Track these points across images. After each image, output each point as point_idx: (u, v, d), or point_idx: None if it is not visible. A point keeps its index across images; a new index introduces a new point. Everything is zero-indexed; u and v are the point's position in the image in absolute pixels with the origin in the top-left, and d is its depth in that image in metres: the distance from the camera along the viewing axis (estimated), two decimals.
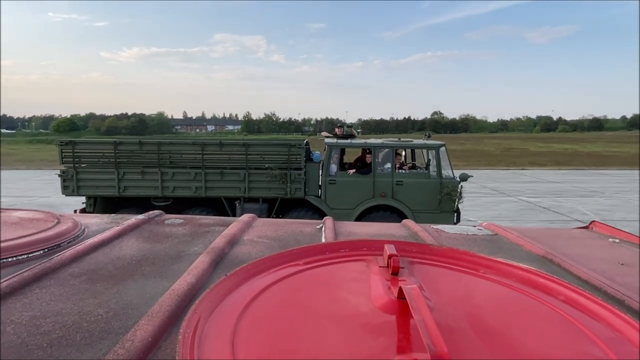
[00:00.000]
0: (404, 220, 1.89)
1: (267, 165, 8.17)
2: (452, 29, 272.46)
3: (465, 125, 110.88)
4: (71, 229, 1.50)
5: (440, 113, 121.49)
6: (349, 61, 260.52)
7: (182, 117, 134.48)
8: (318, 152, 8.78)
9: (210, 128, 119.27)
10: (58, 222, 1.54)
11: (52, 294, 1.03)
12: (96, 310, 0.95)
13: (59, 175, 8.31)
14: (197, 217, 1.95)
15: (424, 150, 8.86)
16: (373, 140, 9.04)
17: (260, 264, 1.01)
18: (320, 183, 8.41)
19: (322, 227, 1.73)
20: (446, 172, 8.33)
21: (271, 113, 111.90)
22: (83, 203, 8.68)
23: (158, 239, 1.55)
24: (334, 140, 8.72)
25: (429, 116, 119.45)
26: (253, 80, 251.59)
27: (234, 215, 8.31)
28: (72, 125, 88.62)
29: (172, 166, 8.28)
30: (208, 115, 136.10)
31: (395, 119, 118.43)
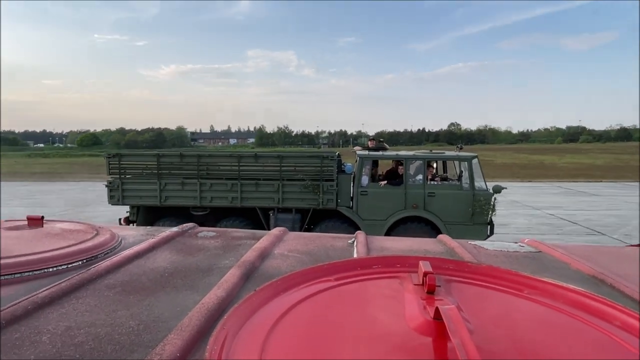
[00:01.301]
0: (440, 236, 1.82)
1: (300, 175, 8.36)
2: (485, 39, 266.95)
3: (483, 137, 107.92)
4: (109, 241, 1.54)
5: (457, 124, 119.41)
6: (379, 73, 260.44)
7: (209, 131, 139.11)
8: (350, 164, 8.91)
9: (232, 141, 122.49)
10: (97, 234, 1.59)
11: (87, 304, 1.05)
12: (128, 322, 0.96)
13: (106, 186, 8.77)
14: (230, 230, 1.96)
15: (456, 162, 8.79)
16: (405, 152, 9.08)
17: (290, 279, 0.98)
18: (352, 194, 8.47)
19: (354, 242, 1.70)
20: (479, 184, 8.22)
21: (284, 126, 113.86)
22: (127, 212, 9.09)
23: (190, 251, 1.56)
24: (366, 152, 8.84)
25: (444, 127, 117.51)
26: (284, 94, 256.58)
27: (268, 224, 8.53)
28: (95, 140, 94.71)
29: (210, 177, 8.57)
30: (234, 129, 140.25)
31: (409, 130, 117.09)
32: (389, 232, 8.21)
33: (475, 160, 8.28)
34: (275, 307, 0.87)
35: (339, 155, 8.90)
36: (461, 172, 8.49)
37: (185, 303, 1.06)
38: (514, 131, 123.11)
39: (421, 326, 0.81)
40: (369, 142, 9.69)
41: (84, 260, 1.36)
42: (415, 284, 0.99)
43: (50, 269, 1.26)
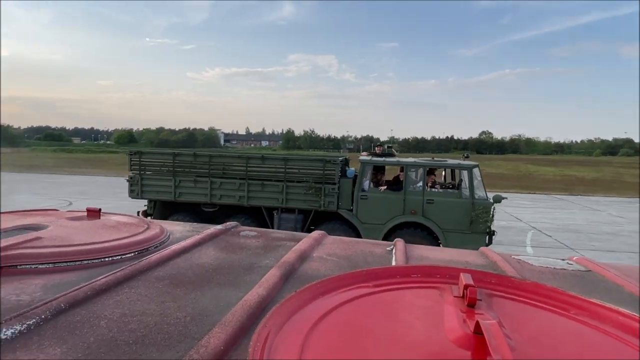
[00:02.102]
0: (482, 248, 1.78)
1: (304, 178, 8.78)
2: (535, 45, 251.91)
3: (516, 146, 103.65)
4: (158, 235, 1.63)
5: (489, 133, 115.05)
6: (421, 79, 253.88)
7: (244, 133, 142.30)
8: (353, 169, 9.21)
9: (264, 143, 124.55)
10: (148, 228, 1.69)
11: (139, 294, 1.12)
12: (176, 313, 1.02)
13: (127, 181, 9.44)
14: (270, 230, 2.02)
15: (457, 170, 8.93)
16: (406, 159, 9.31)
17: (329, 282, 1.01)
18: (353, 198, 8.75)
19: (392, 249, 1.69)
20: (479, 193, 8.27)
21: (310, 130, 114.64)
22: (144, 206, 9.74)
23: (233, 249, 1.62)
24: (368, 158, 9.13)
25: (474, 135, 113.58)
26: (323, 99, 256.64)
27: (272, 223, 8.94)
28: (130, 138, 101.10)
29: (220, 176, 9.09)
30: (268, 131, 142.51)
31: (437, 137, 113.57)
32: (387, 236, 8.41)
33: (476, 170, 8.40)
34: (314, 310, 0.89)
35: (347, 160, 9.35)
36: (461, 180, 8.65)
37: (228, 299, 1.11)
38: (555, 141, 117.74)
39: (460, 339, 0.80)
40: (377, 148, 9.97)
41: (136, 252, 1.45)
42: (455, 296, 0.98)
43: (107, 259, 1.35)
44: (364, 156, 9.51)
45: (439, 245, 7.84)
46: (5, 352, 0.80)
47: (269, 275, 1.26)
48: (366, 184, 8.67)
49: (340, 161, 8.90)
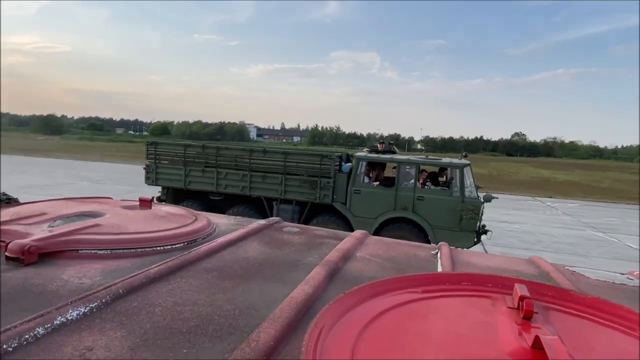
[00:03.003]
0: (532, 257, 1.70)
1: (301, 171, 9.18)
2: (591, 44, 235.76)
3: (549, 149, 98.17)
4: (205, 227, 1.68)
5: (522, 134, 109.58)
6: (466, 78, 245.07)
7: (279, 128, 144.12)
8: (349, 164, 9.50)
9: (296, 139, 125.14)
10: (195, 220, 1.74)
11: (190, 284, 1.16)
12: (225, 305, 1.04)
13: (144, 168, 10.10)
14: (312, 227, 2.03)
15: (449, 169, 9.07)
16: (399, 156, 9.48)
17: (378, 285, 1.00)
18: (347, 192, 9.08)
19: (437, 253, 1.65)
20: (470, 192, 8.38)
21: (336, 127, 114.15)
22: (159, 192, 10.33)
23: (277, 245, 1.64)
24: (363, 154, 9.42)
25: (505, 137, 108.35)
26: (364, 96, 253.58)
27: (271, 212, 9.32)
28: (164, 130, 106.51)
29: (225, 167, 9.60)
30: (302, 127, 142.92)
31: (465, 138, 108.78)
32: (378, 231, 8.62)
33: (467, 169, 8.49)
34: (364, 312, 0.89)
35: (347, 156, 9.72)
36: (451, 178, 8.74)
37: (274, 294, 1.13)
38: (600, 145, 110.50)
39: (517, 353, 0.77)
40: (379, 145, 10.14)
41: (185, 243, 1.50)
42: (509, 307, 0.94)
43: (159, 248, 1.41)
44: (362, 152, 9.80)
45: (429, 241, 7.99)
46: (72, 333, 0.85)
47: (314, 273, 1.26)
48: (360, 179, 8.97)
49: (338, 156, 9.25)
